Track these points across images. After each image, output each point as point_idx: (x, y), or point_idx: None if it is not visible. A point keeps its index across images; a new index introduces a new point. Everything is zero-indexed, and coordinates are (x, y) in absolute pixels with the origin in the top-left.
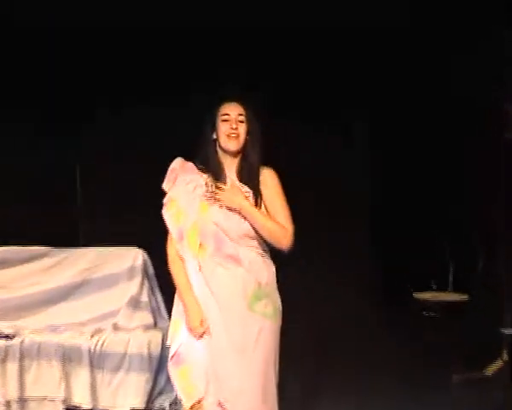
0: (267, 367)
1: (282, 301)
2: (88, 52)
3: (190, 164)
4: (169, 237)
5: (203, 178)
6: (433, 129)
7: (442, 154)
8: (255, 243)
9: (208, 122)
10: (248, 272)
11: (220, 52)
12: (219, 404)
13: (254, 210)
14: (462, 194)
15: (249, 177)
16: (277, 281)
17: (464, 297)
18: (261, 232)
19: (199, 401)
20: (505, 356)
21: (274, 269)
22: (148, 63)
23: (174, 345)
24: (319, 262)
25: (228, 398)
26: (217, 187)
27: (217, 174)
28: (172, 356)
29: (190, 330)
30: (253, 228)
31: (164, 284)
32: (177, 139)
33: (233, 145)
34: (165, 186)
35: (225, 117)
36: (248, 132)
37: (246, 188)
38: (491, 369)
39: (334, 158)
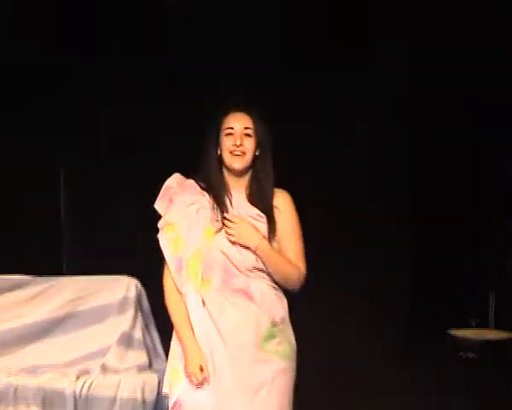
0: None
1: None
2: None
3: (191, 181)
4: (165, 267)
5: (206, 199)
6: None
7: (480, 179)
8: (266, 276)
9: (210, 136)
10: (260, 308)
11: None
12: None
13: (272, 251)
14: (504, 223)
15: (261, 199)
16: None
17: (508, 336)
18: (274, 275)
19: None
20: None
21: (286, 303)
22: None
23: (174, 394)
24: (335, 295)
25: None
26: (224, 216)
27: (221, 196)
28: (172, 407)
29: (188, 376)
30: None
31: (160, 320)
32: (173, 156)
33: (238, 164)
34: (158, 206)
35: (229, 131)
36: (258, 147)
37: (256, 210)
38: None
39: (357, 183)
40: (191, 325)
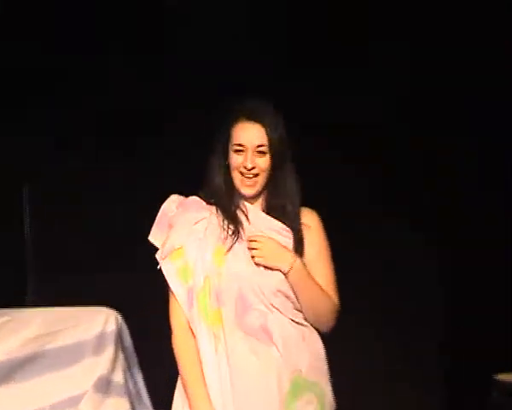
0: None
1: None
2: None
3: (194, 198)
4: (171, 303)
5: (215, 214)
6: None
7: None
8: (289, 304)
9: (218, 145)
10: (282, 353)
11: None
12: None
13: (308, 275)
14: None
15: (284, 213)
16: None
17: None
18: (307, 306)
19: None
20: None
21: (321, 346)
22: None
23: None
24: (369, 338)
25: None
26: (235, 229)
27: (233, 208)
28: None
29: None
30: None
31: (145, 360)
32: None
33: (249, 190)
34: (153, 237)
35: (239, 147)
36: (275, 163)
37: (280, 224)
38: None
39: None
40: (204, 379)
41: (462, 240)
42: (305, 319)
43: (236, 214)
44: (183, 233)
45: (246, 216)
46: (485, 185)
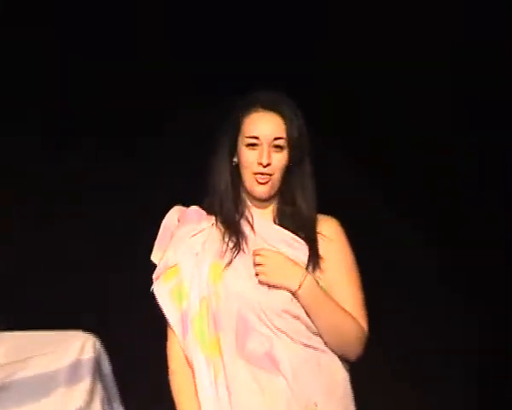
0: None
1: None
2: None
3: (194, 208)
4: (168, 332)
5: (216, 226)
6: None
7: None
8: (301, 327)
9: (223, 141)
10: (291, 385)
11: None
12: None
13: (322, 293)
14: None
15: (297, 221)
16: None
17: None
18: (325, 330)
19: None
20: None
21: (343, 375)
22: None
23: None
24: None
25: None
26: (237, 241)
27: (236, 218)
28: None
29: None
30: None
31: (127, 391)
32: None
33: (262, 190)
34: (155, 257)
35: (252, 141)
36: (293, 160)
37: (291, 234)
38: None
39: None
40: None
41: (462, 240)
42: (325, 344)
43: (240, 224)
44: (179, 249)
45: (251, 225)
46: (485, 185)
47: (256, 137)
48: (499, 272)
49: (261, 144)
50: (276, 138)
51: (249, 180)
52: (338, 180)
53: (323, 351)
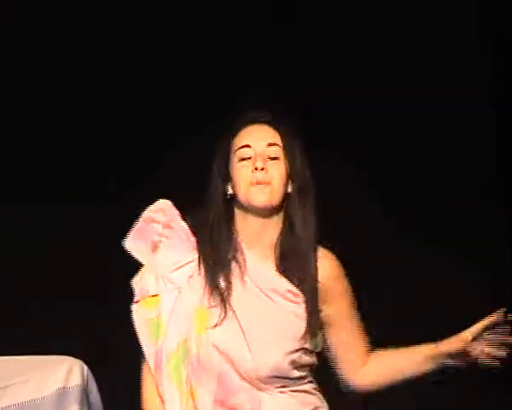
0: None
1: None
2: None
3: (185, 227)
4: (144, 363)
5: (203, 263)
6: None
7: None
8: (292, 382)
9: (217, 163)
10: None
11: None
12: None
13: None
14: None
15: (297, 264)
16: None
17: None
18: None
19: None
20: None
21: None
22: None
23: None
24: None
25: None
26: (227, 289)
27: (225, 257)
28: None
29: None
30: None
31: None
32: None
33: (260, 196)
34: (130, 244)
35: (244, 152)
36: (292, 179)
37: (289, 284)
38: None
39: None
40: None
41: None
42: (315, 389)
43: (231, 265)
44: (162, 278)
45: (243, 269)
46: None
47: (248, 146)
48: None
49: (254, 152)
50: (269, 144)
51: (244, 191)
52: None
53: (315, 393)
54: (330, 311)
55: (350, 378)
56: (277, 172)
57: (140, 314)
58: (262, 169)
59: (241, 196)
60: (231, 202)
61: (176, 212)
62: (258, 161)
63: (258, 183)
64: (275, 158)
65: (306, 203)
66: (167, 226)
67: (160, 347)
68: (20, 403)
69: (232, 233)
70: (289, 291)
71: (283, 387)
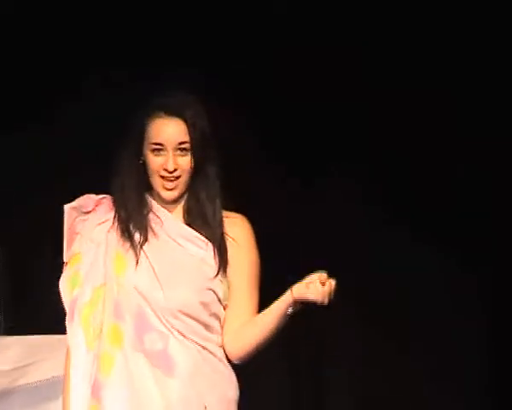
0: None
1: None
2: None
3: (105, 197)
4: None
5: (119, 220)
6: None
7: None
8: (200, 329)
9: (131, 135)
10: (187, 387)
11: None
12: None
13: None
14: None
15: (205, 221)
16: None
17: None
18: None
19: None
20: None
21: (234, 383)
22: None
23: None
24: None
25: None
26: (142, 236)
27: (142, 216)
28: None
29: None
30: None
31: None
32: None
33: (169, 195)
34: (65, 257)
35: (157, 147)
36: (198, 159)
37: (195, 233)
38: None
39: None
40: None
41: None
42: (220, 347)
43: (146, 219)
44: (84, 238)
45: (159, 220)
46: None
47: (160, 144)
48: None
49: (167, 152)
50: (180, 143)
51: (157, 183)
52: None
53: (217, 355)
54: (232, 265)
55: (225, 344)
56: (187, 165)
57: (63, 274)
58: (172, 171)
59: (154, 184)
60: (143, 166)
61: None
62: (170, 163)
63: (168, 180)
64: (184, 150)
65: (208, 175)
66: (92, 205)
67: (74, 298)
68: (45, 378)
69: (145, 194)
70: (197, 238)
71: (193, 334)
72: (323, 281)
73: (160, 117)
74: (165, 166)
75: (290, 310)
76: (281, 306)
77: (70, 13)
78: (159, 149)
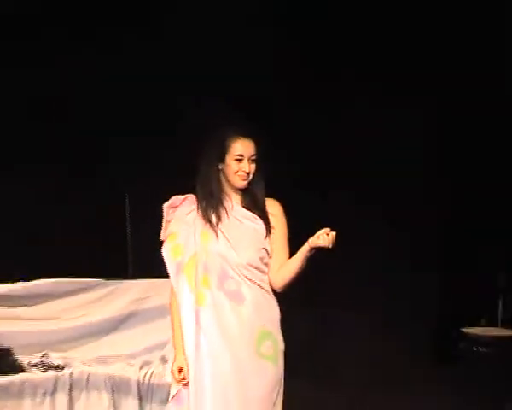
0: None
1: None
2: None
3: (189, 197)
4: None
5: (200, 208)
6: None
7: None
8: (258, 274)
9: (214, 150)
10: (252, 312)
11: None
12: None
13: None
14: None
15: (256, 205)
16: None
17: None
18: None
19: None
20: None
21: (277, 307)
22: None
23: (176, 386)
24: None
25: None
26: (219, 218)
27: (220, 203)
28: (174, 396)
29: (171, 373)
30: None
31: None
32: None
33: (243, 185)
34: (162, 236)
35: (239, 157)
36: (257, 167)
37: (252, 213)
38: None
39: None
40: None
41: None
42: (269, 285)
43: (220, 206)
44: (178, 222)
45: (226, 207)
46: None
47: (241, 155)
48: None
49: (245, 160)
50: (252, 155)
51: (234, 178)
52: None
53: (269, 292)
54: (273, 231)
55: (270, 279)
56: (254, 168)
57: (165, 247)
58: (248, 172)
59: (231, 179)
60: (219, 171)
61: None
62: (247, 167)
63: (243, 179)
64: (253, 160)
65: (260, 176)
66: (177, 203)
67: (179, 260)
68: (156, 306)
69: (222, 188)
70: (252, 216)
71: (255, 278)
72: (328, 233)
73: (240, 138)
74: (243, 169)
75: (308, 254)
76: (303, 251)
77: None
78: (240, 159)
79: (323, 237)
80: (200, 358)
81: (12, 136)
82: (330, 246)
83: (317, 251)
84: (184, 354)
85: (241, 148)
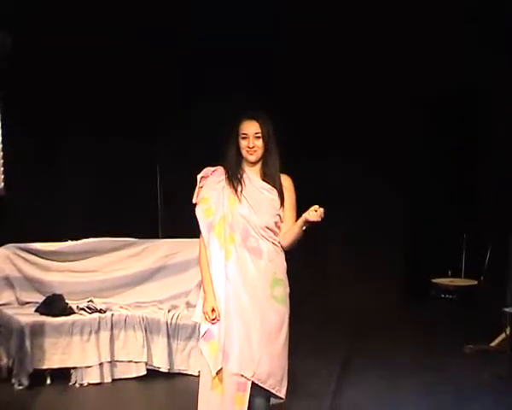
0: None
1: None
2: None
3: (218, 167)
4: (200, 236)
5: (230, 178)
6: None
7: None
8: (272, 234)
9: (233, 133)
10: (267, 263)
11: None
12: (237, 375)
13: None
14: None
15: (272, 178)
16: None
17: (474, 283)
18: (295, 241)
19: (220, 370)
20: (508, 331)
21: (284, 259)
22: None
23: (205, 325)
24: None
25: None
26: (241, 187)
27: (241, 176)
28: (203, 334)
29: (204, 313)
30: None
31: None
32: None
33: (252, 158)
34: (194, 200)
35: (244, 135)
36: (266, 143)
37: (269, 185)
38: (496, 341)
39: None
40: (211, 278)
41: None
42: (278, 242)
43: (242, 177)
44: (209, 188)
45: (248, 179)
46: None
47: (246, 134)
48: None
49: (248, 137)
50: (255, 133)
51: (244, 154)
52: None
53: (279, 247)
54: (286, 199)
55: (281, 239)
56: (259, 144)
57: (199, 209)
58: (252, 147)
59: (243, 154)
60: (238, 147)
61: (212, 168)
62: (251, 142)
63: (250, 153)
64: (258, 137)
65: (273, 153)
66: (209, 172)
67: (210, 220)
68: (181, 261)
69: (241, 163)
70: (269, 187)
71: (271, 238)
72: (317, 209)
73: (246, 120)
74: (248, 145)
75: (303, 227)
76: (298, 225)
77: None
78: (245, 137)
79: (312, 213)
80: (228, 301)
81: None
82: (319, 220)
83: (311, 224)
84: (214, 297)
85: (246, 128)
